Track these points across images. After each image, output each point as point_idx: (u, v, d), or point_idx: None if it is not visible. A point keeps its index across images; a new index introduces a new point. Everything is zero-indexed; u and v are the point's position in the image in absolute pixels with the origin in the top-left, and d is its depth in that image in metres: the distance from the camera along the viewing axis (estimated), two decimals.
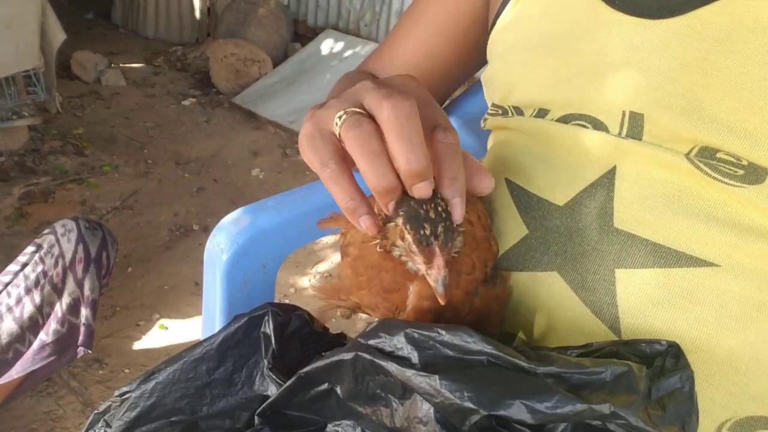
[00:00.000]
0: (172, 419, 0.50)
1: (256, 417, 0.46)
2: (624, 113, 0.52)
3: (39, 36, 2.35)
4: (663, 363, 0.43)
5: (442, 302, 0.42)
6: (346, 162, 0.43)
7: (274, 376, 0.49)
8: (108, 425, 0.51)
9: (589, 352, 0.45)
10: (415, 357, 0.42)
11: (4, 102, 2.38)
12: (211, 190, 2.57)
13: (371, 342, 0.43)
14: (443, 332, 0.42)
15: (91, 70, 3.33)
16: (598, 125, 0.53)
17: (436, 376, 0.39)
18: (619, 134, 0.52)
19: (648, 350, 0.44)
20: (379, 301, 0.49)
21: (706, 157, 0.48)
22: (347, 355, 0.43)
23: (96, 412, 0.53)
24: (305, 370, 0.44)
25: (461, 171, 0.43)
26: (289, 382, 0.45)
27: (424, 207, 0.41)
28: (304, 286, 2.09)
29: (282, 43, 3.67)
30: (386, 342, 0.43)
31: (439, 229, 0.42)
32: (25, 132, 2.54)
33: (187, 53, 3.85)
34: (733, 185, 0.47)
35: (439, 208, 0.42)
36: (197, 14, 3.99)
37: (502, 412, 0.38)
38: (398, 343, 0.42)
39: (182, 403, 0.50)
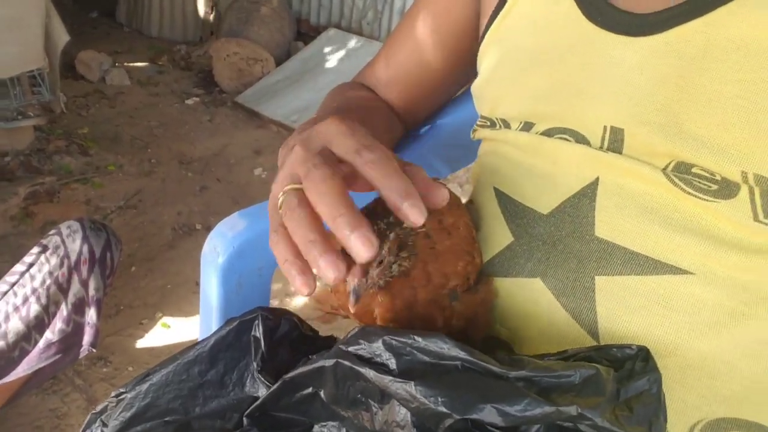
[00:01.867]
0: (166, 419, 0.52)
1: (244, 418, 0.48)
2: (605, 128, 0.54)
3: (43, 37, 2.37)
4: (633, 366, 0.45)
5: (351, 309, 0.44)
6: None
7: (263, 378, 0.51)
8: (104, 425, 0.53)
9: (564, 358, 0.46)
10: (392, 363, 0.43)
11: (9, 102, 2.40)
12: (214, 190, 2.59)
13: (351, 349, 0.45)
14: (419, 339, 0.44)
15: (95, 70, 3.35)
16: (581, 139, 0.55)
17: (412, 383, 0.41)
18: (601, 147, 0.54)
19: (619, 354, 0.46)
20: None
21: (682, 171, 0.50)
22: (328, 362, 0.45)
23: (93, 412, 0.55)
24: (289, 375, 0.46)
25: (394, 178, 0.41)
26: (274, 387, 0.47)
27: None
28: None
29: (285, 42, 3.69)
30: (365, 349, 0.44)
31: None
32: (30, 132, 2.56)
33: (191, 52, 3.87)
34: (707, 200, 0.49)
35: (375, 227, 0.43)
36: (201, 13, 4.02)
37: (474, 416, 0.40)
38: (377, 349, 0.44)
39: (176, 404, 0.52)
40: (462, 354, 0.43)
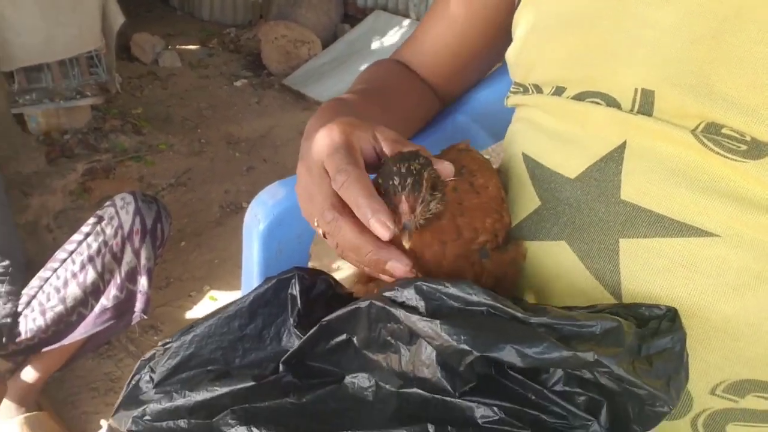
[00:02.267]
0: (208, 368, 0.56)
1: (280, 365, 0.51)
2: (636, 90, 0.54)
3: (100, 19, 2.47)
4: (659, 325, 0.46)
5: (406, 245, 0.47)
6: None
7: (298, 333, 0.54)
8: (152, 371, 0.57)
9: (591, 312, 0.48)
10: (422, 306, 0.46)
11: (68, 82, 2.52)
12: (260, 170, 2.66)
13: (386, 294, 0.48)
14: (449, 285, 0.46)
15: (149, 52, 3.46)
16: (611, 102, 0.56)
17: (437, 321, 0.44)
18: (631, 110, 0.54)
19: (647, 313, 0.47)
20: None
21: (712, 132, 0.50)
22: (363, 303, 0.48)
23: (142, 359, 0.59)
24: (327, 318, 0.49)
25: (360, 200, 0.47)
26: (312, 331, 0.50)
27: (398, 165, 0.47)
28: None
29: (331, 25, 3.72)
30: (399, 294, 0.47)
31: (409, 180, 0.46)
32: (87, 111, 2.68)
33: (240, 35, 3.94)
34: (736, 160, 0.49)
35: (413, 167, 0.47)
36: None
37: (494, 354, 0.42)
38: (409, 294, 0.47)
39: (217, 354, 0.56)
40: (488, 300, 0.45)
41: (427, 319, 0.44)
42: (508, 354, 0.42)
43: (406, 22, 3.53)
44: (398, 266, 0.49)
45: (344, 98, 0.70)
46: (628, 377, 0.41)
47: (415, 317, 0.45)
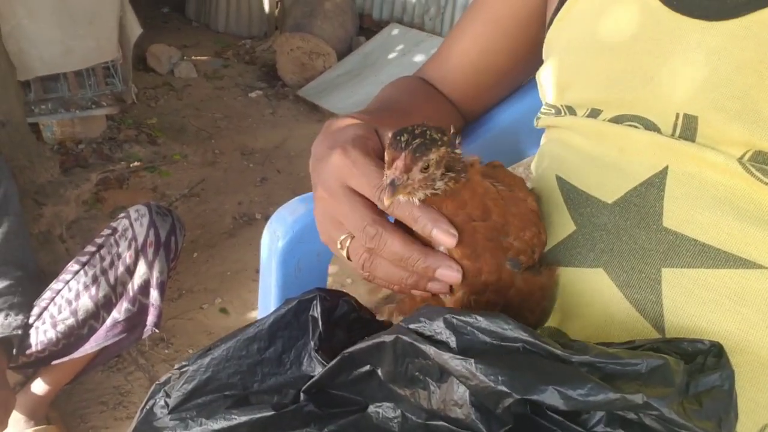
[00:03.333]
0: (225, 393, 0.53)
1: (301, 393, 0.49)
2: (678, 115, 0.52)
3: (117, 30, 2.48)
4: (704, 361, 0.43)
5: (386, 202, 0.46)
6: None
7: (319, 357, 0.51)
8: (168, 395, 0.54)
9: (631, 348, 0.45)
10: (453, 341, 0.43)
11: (84, 92, 2.52)
12: (274, 181, 2.65)
13: (412, 326, 0.45)
14: (481, 318, 0.43)
15: (165, 63, 3.48)
16: (650, 126, 0.53)
17: (472, 360, 0.41)
18: (672, 135, 0.52)
19: (690, 349, 0.44)
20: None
21: (759, 161, 0.48)
22: (388, 338, 0.45)
23: (157, 383, 0.56)
24: (349, 350, 0.46)
25: (414, 210, 0.48)
26: (333, 362, 0.47)
27: (416, 126, 0.46)
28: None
29: (347, 37, 3.72)
30: (426, 326, 0.44)
31: (416, 141, 0.45)
32: (103, 121, 2.68)
33: (256, 46, 3.96)
34: None
35: (428, 132, 0.45)
36: (266, 8, 4.10)
37: (535, 397, 0.39)
38: (437, 327, 0.44)
39: (235, 379, 0.53)
40: (524, 336, 0.42)
41: (461, 357, 0.41)
42: (551, 397, 0.39)
43: (422, 35, 3.53)
44: (448, 273, 0.49)
45: (354, 115, 0.69)
46: (678, 420, 0.38)
47: (446, 355, 0.42)
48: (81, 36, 2.34)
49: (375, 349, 0.46)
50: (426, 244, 0.50)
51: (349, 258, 0.53)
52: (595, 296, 0.53)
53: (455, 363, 0.42)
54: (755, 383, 0.48)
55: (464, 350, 0.43)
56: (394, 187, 0.45)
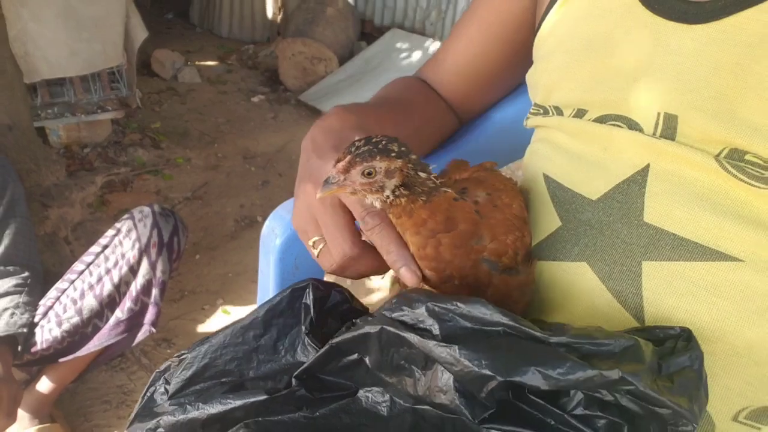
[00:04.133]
0: (222, 380, 0.56)
1: (293, 379, 0.51)
2: (659, 114, 0.54)
3: (123, 35, 2.52)
4: (675, 344, 0.45)
5: (318, 197, 0.49)
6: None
7: (310, 341, 0.53)
8: (167, 382, 0.57)
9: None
10: (436, 329, 0.45)
11: (90, 97, 2.56)
12: (275, 184, 2.67)
13: (395, 315, 0.47)
14: (461, 305, 0.45)
15: (169, 68, 3.51)
16: (633, 125, 0.55)
17: (456, 346, 0.43)
18: (654, 134, 0.54)
19: (661, 335, 0.46)
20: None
21: (735, 158, 0.50)
22: (373, 329, 0.47)
23: (157, 371, 0.59)
24: (335, 340, 0.49)
25: (390, 243, 0.52)
26: (321, 351, 0.49)
27: (380, 137, 0.48)
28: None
29: (349, 42, 3.75)
30: (408, 315, 0.46)
31: (364, 148, 0.47)
32: (108, 125, 2.72)
33: (258, 52, 3.99)
34: (760, 187, 0.49)
35: (384, 143, 0.48)
36: (269, 14, 4.14)
37: (517, 378, 0.41)
38: (420, 315, 0.46)
39: (232, 366, 0.56)
40: (504, 319, 0.44)
41: (445, 344, 0.43)
42: (532, 377, 0.41)
43: (423, 40, 3.56)
44: (408, 276, 0.52)
45: (351, 108, 0.70)
46: (652, 395, 0.40)
47: (431, 343, 0.44)
48: (86, 40, 2.38)
49: (361, 338, 0.48)
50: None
51: (316, 257, 0.57)
52: (578, 289, 0.56)
53: (440, 351, 0.44)
54: (729, 371, 0.50)
55: (447, 337, 0.45)
56: (326, 184, 0.48)
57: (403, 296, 0.48)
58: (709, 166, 0.51)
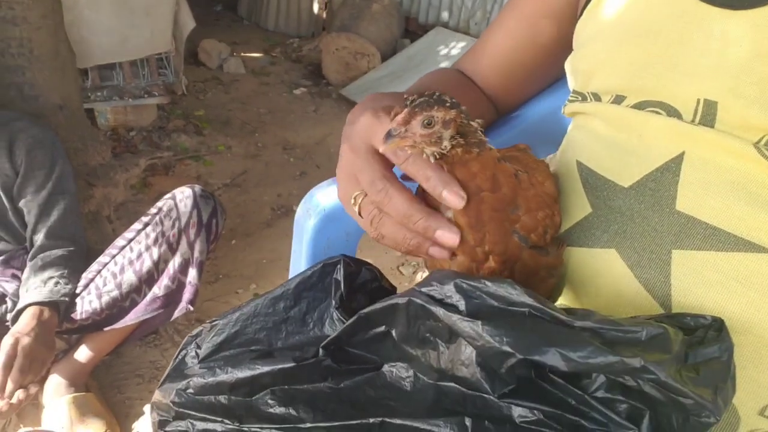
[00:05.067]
0: (251, 348, 0.57)
1: (320, 349, 0.52)
2: (699, 101, 0.53)
3: (172, 23, 2.58)
4: (705, 334, 0.45)
5: (381, 149, 0.49)
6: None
7: (339, 315, 0.54)
8: (198, 347, 0.59)
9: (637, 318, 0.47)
10: (462, 305, 0.46)
11: (138, 82, 2.63)
12: (313, 175, 2.70)
13: (424, 289, 0.47)
14: (489, 284, 0.45)
15: (215, 58, 3.59)
16: (672, 112, 0.55)
17: (479, 322, 0.43)
18: (692, 121, 0.53)
19: (692, 323, 0.46)
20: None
21: None
22: (402, 300, 0.48)
23: (189, 335, 0.61)
24: (365, 311, 0.50)
25: (426, 168, 0.50)
26: (350, 321, 0.51)
27: (434, 92, 0.49)
28: (389, 265, 2.16)
29: (392, 39, 3.76)
30: (437, 290, 0.47)
31: (420, 99, 0.48)
32: (153, 110, 2.79)
33: (303, 45, 4.04)
34: None
35: (437, 95, 0.48)
36: (315, 9, 4.18)
37: (537, 357, 0.42)
38: (448, 291, 0.46)
39: (261, 335, 0.57)
40: (530, 301, 0.44)
41: (468, 319, 0.44)
42: (552, 357, 0.41)
43: (466, 39, 3.55)
44: (447, 235, 0.50)
45: (388, 93, 0.71)
46: (674, 385, 0.39)
47: (455, 317, 0.44)
48: (137, 26, 2.45)
49: (389, 310, 0.49)
50: (433, 208, 0.52)
51: (360, 214, 0.55)
52: (606, 276, 0.55)
53: (463, 325, 0.45)
54: (758, 363, 0.49)
55: (473, 313, 0.45)
56: (389, 137, 0.48)
57: (434, 273, 0.49)
58: (748, 154, 0.50)
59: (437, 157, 0.50)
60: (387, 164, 0.53)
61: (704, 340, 0.44)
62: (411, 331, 0.49)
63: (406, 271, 2.20)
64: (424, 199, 0.53)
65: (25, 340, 1.32)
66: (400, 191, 0.51)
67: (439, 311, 0.45)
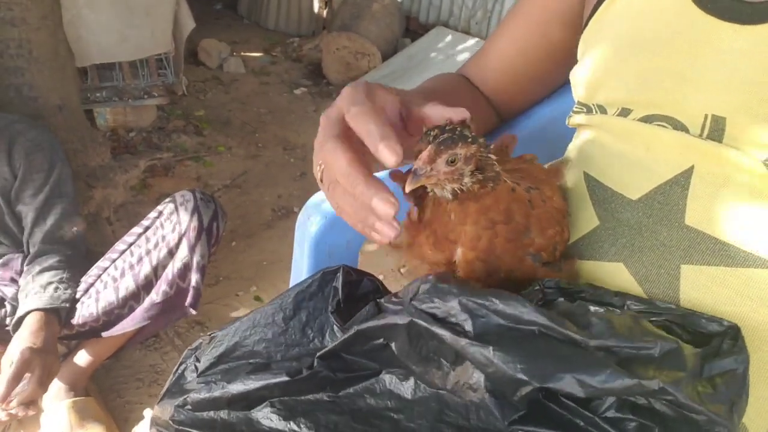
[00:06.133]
0: (250, 361, 0.56)
1: (316, 360, 0.51)
2: (707, 116, 0.52)
3: (172, 23, 2.57)
4: (720, 344, 0.44)
5: (406, 189, 0.47)
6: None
7: (335, 320, 0.53)
8: (198, 360, 0.58)
9: (648, 312, 0.45)
10: (468, 325, 0.44)
11: (137, 82, 2.62)
12: (313, 176, 2.68)
13: (425, 307, 0.46)
14: (497, 301, 0.44)
15: (215, 57, 3.57)
16: (679, 126, 0.54)
17: (490, 348, 0.42)
18: (700, 136, 0.52)
19: (707, 327, 0.44)
20: (439, 255, 0.53)
21: None
22: (402, 320, 0.46)
23: (189, 348, 0.60)
24: (362, 327, 0.48)
25: (371, 125, 0.46)
26: (347, 335, 0.49)
27: (447, 125, 0.47)
28: (390, 266, 2.15)
29: (393, 39, 3.75)
30: (440, 308, 0.45)
31: (444, 136, 0.46)
32: (153, 111, 2.78)
33: (303, 45, 4.02)
34: None
35: (459, 130, 0.47)
36: (315, 8, 4.17)
37: (553, 385, 0.40)
38: (452, 309, 0.45)
39: (260, 347, 0.56)
40: (541, 319, 0.43)
41: (478, 344, 0.42)
42: (569, 384, 0.40)
43: (467, 39, 3.53)
44: (381, 205, 0.45)
45: (385, 88, 0.69)
46: (692, 405, 0.38)
47: (463, 341, 0.43)
48: (137, 26, 2.43)
49: (388, 328, 0.48)
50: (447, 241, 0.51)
51: (320, 181, 0.53)
52: (614, 290, 0.54)
53: (473, 350, 0.43)
54: (767, 381, 0.48)
55: (480, 335, 0.44)
56: (416, 177, 0.47)
57: (434, 287, 0.47)
58: (756, 170, 0.49)
59: (456, 192, 0.49)
60: (348, 131, 0.50)
61: (720, 351, 0.43)
62: (413, 348, 0.47)
63: (407, 272, 2.18)
64: (420, 216, 0.52)
65: (38, 351, 1.31)
66: (345, 151, 0.47)
67: (446, 335, 0.44)
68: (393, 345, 0.48)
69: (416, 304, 0.47)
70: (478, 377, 0.45)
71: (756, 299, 0.48)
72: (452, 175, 0.48)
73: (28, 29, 1.94)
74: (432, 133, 0.47)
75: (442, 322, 0.46)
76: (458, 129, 0.47)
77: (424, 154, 0.46)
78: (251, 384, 0.50)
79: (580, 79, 0.68)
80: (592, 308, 0.45)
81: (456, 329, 0.45)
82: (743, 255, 0.49)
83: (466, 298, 0.45)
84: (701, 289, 0.50)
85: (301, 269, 0.87)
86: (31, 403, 1.28)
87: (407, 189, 0.47)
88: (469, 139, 0.47)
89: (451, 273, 0.52)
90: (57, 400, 1.50)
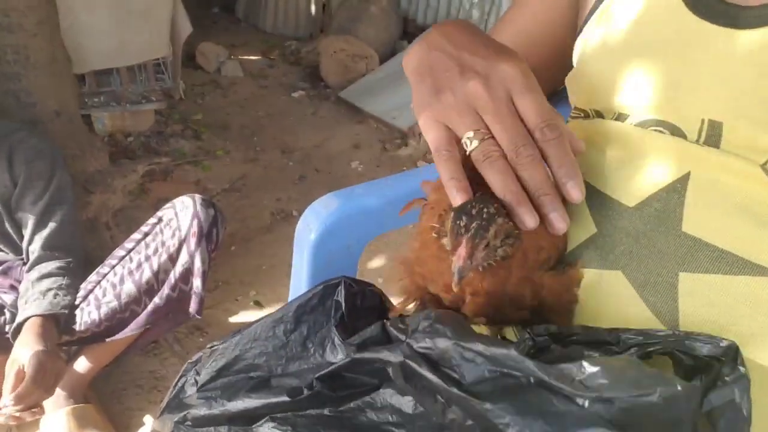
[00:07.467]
0: (251, 375, 0.56)
1: (315, 380, 0.51)
2: (703, 121, 0.52)
3: (169, 27, 2.56)
4: (719, 370, 0.43)
5: (455, 289, 0.47)
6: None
7: (337, 334, 0.53)
8: (198, 373, 0.58)
9: (645, 344, 0.45)
10: (462, 372, 0.44)
11: (135, 87, 2.62)
12: (312, 179, 2.69)
13: (419, 346, 0.46)
14: (491, 349, 0.44)
15: (213, 61, 3.56)
16: (676, 131, 0.54)
17: (486, 404, 0.41)
18: (697, 141, 0.52)
19: (704, 350, 0.44)
20: (440, 290, 0.53)
21: None
22: (395, 359, 0.46)
23: (189, 361, 0.60)
24: (357, 356, 0.48)
25: (566, 156, 0.49)
26: (343, 362, 0.49)
27: (473, 204, 0.47)
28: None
29: (390, 41, 3.75)
30: (433, 351, 0.45)
31: (474, 224, 0.46)
32: (151, 115, 2.77)
33: (301, 48, 4.02)
34: None
35: (485, 209, 0.46)
36: (313, 10, 4.17)
37: None
38: (445, 354, 0.45)
39: (261, 360, 0.56)
40: (535, 371, 0.42)
41: (470, 397, 0.42)
42: None
43: None
44: (558, 221, 0.49)
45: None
46: None
47: (455, 391, 0.43)
48: (134, 31, 2.43)
49: (382, 362, 0.48)
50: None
51: (464, 151, 0.51)
52: (612, 298, 0.54)
53: (464, 403, 0.43)
54: (766, 389, 0.48)
55: (474, 383, 0.44)
56: (461, 276, 0.47)
57: (432, 326, 0.47)
58: (754, 175, 0.49)
59: (485, 266, 0.49)
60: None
61: (719, 379, 0.42)
62: (407, 383, 0.47)
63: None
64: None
65: (49, 354, 1.30)
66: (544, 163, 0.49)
67: (439, 384, 0.44)
68: (390, 370, 0.48)
69: (412, 342, 0.47)
70: (472, 422, 0.45)
71: (755, 307, 0.48)
72: (488, 256, 0.49)
73: (25, 35, 1.94)
74: (461, 224, 0.47)
75: (434, 366, 0.46)
76: (483, 209, 0.47)
77: (462, 252, 0.46)
78: (251, 403, 0.50)
79: (575, 84, 0.68)
80: (586, 353, 0.45)
81: (449, 376, 0.45)
82: (741, 262, 0.49)
83: (458, 344, 0.45)
84: (700, 297, 0.50)
85: (300, 278, 0.87)
86: (38, 406, 1.28)
87: (455, 288, 0.47)
88: (495, 214, 0.47)
89: (456, 305, 0.52)
90: (56, 407, 1.50)
